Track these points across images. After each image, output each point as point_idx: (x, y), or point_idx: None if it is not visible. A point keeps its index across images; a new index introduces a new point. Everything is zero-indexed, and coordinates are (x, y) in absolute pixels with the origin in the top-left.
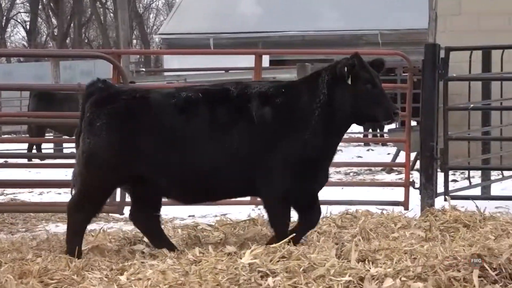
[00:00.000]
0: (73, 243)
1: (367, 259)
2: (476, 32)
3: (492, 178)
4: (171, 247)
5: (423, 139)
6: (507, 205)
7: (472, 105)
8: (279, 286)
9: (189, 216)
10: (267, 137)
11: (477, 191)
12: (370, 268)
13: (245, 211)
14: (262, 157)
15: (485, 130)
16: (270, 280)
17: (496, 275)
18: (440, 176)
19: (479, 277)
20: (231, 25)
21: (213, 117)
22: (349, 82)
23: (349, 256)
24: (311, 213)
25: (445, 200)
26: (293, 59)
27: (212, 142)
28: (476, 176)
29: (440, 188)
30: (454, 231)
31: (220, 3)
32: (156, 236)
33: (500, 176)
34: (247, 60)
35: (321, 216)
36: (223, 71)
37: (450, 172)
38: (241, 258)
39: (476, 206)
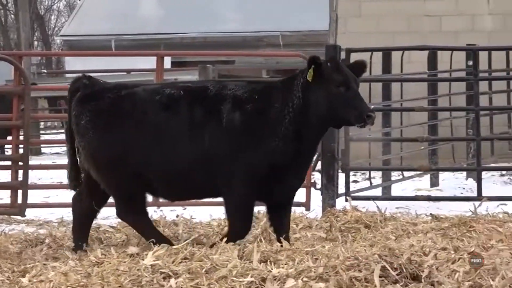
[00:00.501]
0: (151, 237)
1: (269, 260)
2: (376, 33)
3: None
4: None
5: (324, 140)
6: (407, 206)
7: (372, 106)
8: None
9: None
10: (233, 141)
11: (378, 192)
12: (272, 269)
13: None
14: (226, 162)
15: (385, 131)
16: (172, 281)
17: (397, 275)
18: (341, 176)
19: (380, 277)
20: (132, 27)
21: (189, 116)
22: (310, 79)
23: (251, 257)
24: (281, 216)
25: (346, 200)
26: (195, 60)
27: (185, 141)
28: (377, 176)
29: (341, 189)
30: (355, 231)
31: (122, 4)
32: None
33: (401, 177)
34: (149, 62)
35: (224, 217)
36: (125, 73)
37: (351, 173)
38: (143, 260)
39: (377, 207)
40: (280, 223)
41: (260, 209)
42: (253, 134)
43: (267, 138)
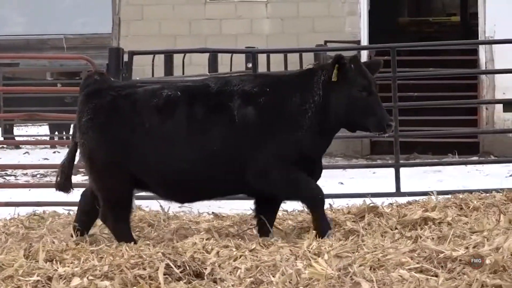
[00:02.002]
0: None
1: (55, 259)
2: (159, 37)
3: None
4: None
5: None
6: (190, 205)
7: None
8: None
9: None
10: (259, 134)
11: None
12: (58, 268)
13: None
14: (256, 155)
15: None
16: None
17: (181, 272)
18: None
19: (164, 274)
20: None
21: (194, 115)
22: (335, 79)
23: (37, 256)
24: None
25: None
26: None
27: (196, 141)
28: None
29: None
30: (139, 230)
31: None
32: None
33: None
34: None
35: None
36: None
37: None
38: None
39: (160, 206)
40: (273, 217)
41: (46, 209)
42: (276, 126)
43: (293, 129)
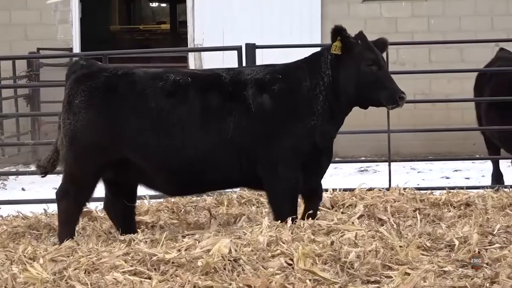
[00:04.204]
0: (64, 234)
1: None
2: None
3: None
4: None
5: None
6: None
7: None
8: None
9: None
10: (269, 124)
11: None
12: None
13: None
14: (265, 147)
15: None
16: None
17: None
18: None
19: None
20: None
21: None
22: (335, 52)
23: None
24: (314, 199)
25: None
26: None
27: (205, 128)
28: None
29: None
30: None
31: None
32: (128, 227)
33: None
34: None
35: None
36: None
37: None
38: None
39: None
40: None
41: None
42: (289, 114)
43: (305, 117)
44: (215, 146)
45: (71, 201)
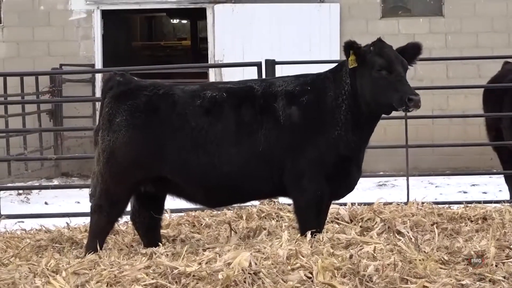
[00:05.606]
0: (91, 247)
1: None
2: None
3: None
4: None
5: None
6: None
7: None
8: None
9: None
10: (296, 136)
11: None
12: None
13: None
14: (292, 158)
15: None
16: None
17: None
18: None
19: None
20: None
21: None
22: (353, 64)
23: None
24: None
25: None
26: None
27: (239, 143)
28: None
29: None
30: None
31: None
32: (152, 239)
33: None
34: None
35: None
36: None
37: None
38: None
39: None
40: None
41: None
42: (315, 125)
43: (329, 128)
44: (248, 159)
45: (103, 215)
